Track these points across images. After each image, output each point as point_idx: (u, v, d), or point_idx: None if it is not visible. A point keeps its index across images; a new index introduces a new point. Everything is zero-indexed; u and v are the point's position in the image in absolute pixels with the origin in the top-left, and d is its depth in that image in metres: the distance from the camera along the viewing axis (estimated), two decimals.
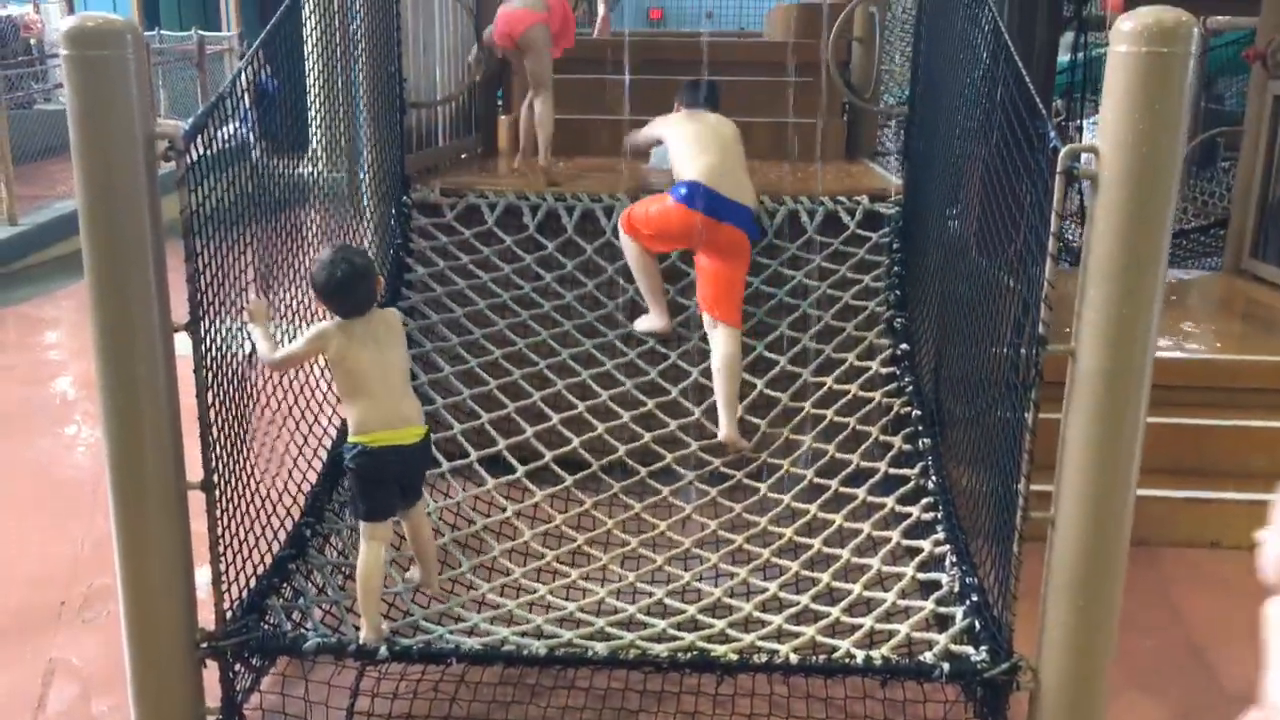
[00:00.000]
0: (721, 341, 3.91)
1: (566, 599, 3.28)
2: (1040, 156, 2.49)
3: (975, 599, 2.84)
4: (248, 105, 2.87)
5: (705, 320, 4.01)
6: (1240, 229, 6.04)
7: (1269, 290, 5.65)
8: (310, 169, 3.76)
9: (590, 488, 3.83)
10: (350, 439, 2.90)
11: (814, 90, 5.60)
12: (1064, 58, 9.58)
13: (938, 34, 4.05)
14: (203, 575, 2.69)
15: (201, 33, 13.94)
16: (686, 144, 4.12)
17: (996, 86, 2.97)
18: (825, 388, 3.97)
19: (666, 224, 4.04)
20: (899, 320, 4.03)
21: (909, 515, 3.32)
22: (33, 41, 14.38)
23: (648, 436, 3.93)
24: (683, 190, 3.96)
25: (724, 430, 3.81)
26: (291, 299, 3.41)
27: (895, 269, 4.20)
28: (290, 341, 3.08)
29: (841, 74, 5.56)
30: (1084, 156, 2.32)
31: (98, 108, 2.36)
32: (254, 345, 2.89)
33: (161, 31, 14.93)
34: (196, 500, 2.64)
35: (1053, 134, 2.44)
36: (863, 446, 3.71)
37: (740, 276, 4.06)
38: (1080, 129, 9.60)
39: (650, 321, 4.22)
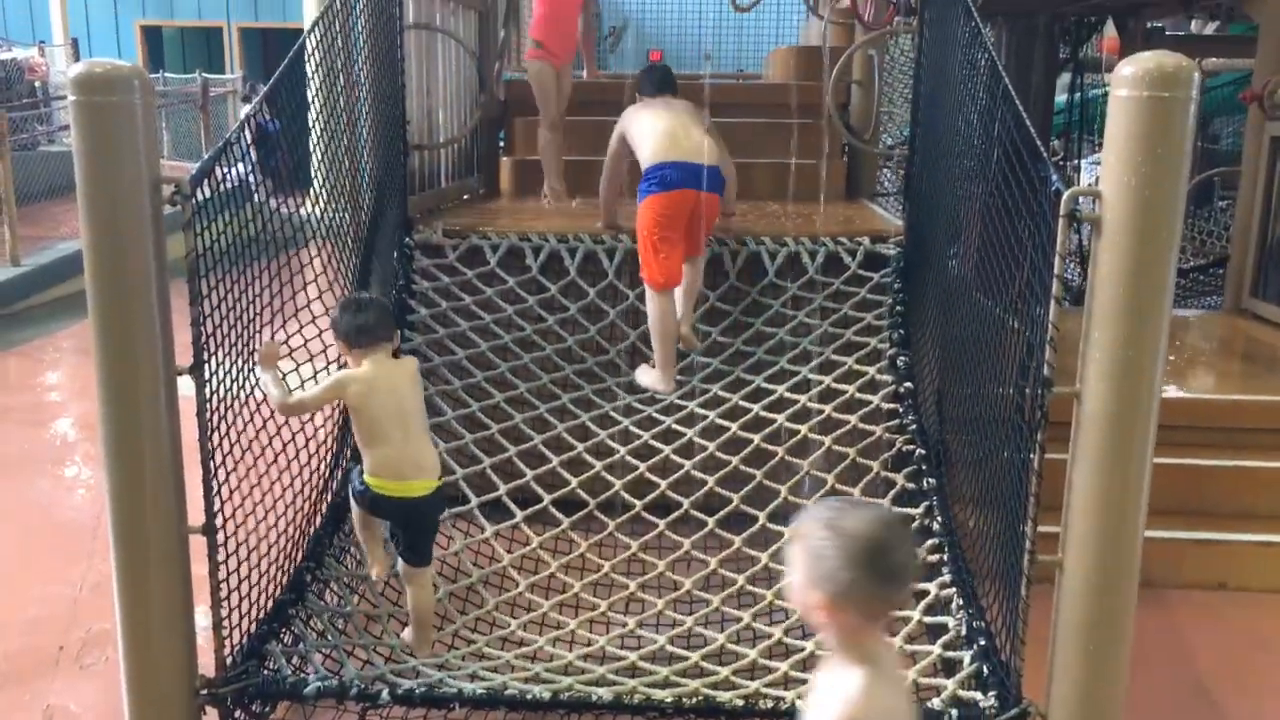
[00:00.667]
0: (689, 269, 4.16)
1: (570, 649, 3.25)
2: (1043, 199, 2.50)
3: (983, 643, 2.81)
4: (248, 144, 2.88)
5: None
6: (1240, 268, 6.06)
7: (1270, 329, 5.65)
8: (311, 209, 3.77)
9: (588, 528, 3.81)
10: (364, 476, 2.99)
11: (814, 132, 5.65)
12: (1060, 98, 9.66)
13: (937, 76, 4.09)
14: (202, 619, 2.67)
15: (205, 75, 14.07)
16: (643, 131, 4.17)
17: (996, 128, 2.98)
18: (824, 414, 3.96)
19: (667, 219, 4.02)
20: (902, 358, 4.03)
21: None
22: (37, 84, 14.49)
23: (643, 467, 3.92)
24: (654, 178, 4.02)
25: (683, 328, 4.11)
26: (292, 339, 3.40)
27: (897, 308, 4.20)
28: (305, 385, 3.11)
29: (841, 116, 5.61)
30: (1086, 199, 2.33)
31: (104, 152, 2.37)
32: (265, 390, 2.90)
33: (165, 74, 15.08)
34: (196, 544, 2.62)
35: (1054, 177, 2.45)
36: (864, 480, 3.69)
37: (711, 220, 4.20)
38: (1078, 169, 9.66)
39: (654, 379, 4.16)
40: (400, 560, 3.11)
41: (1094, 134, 10.49)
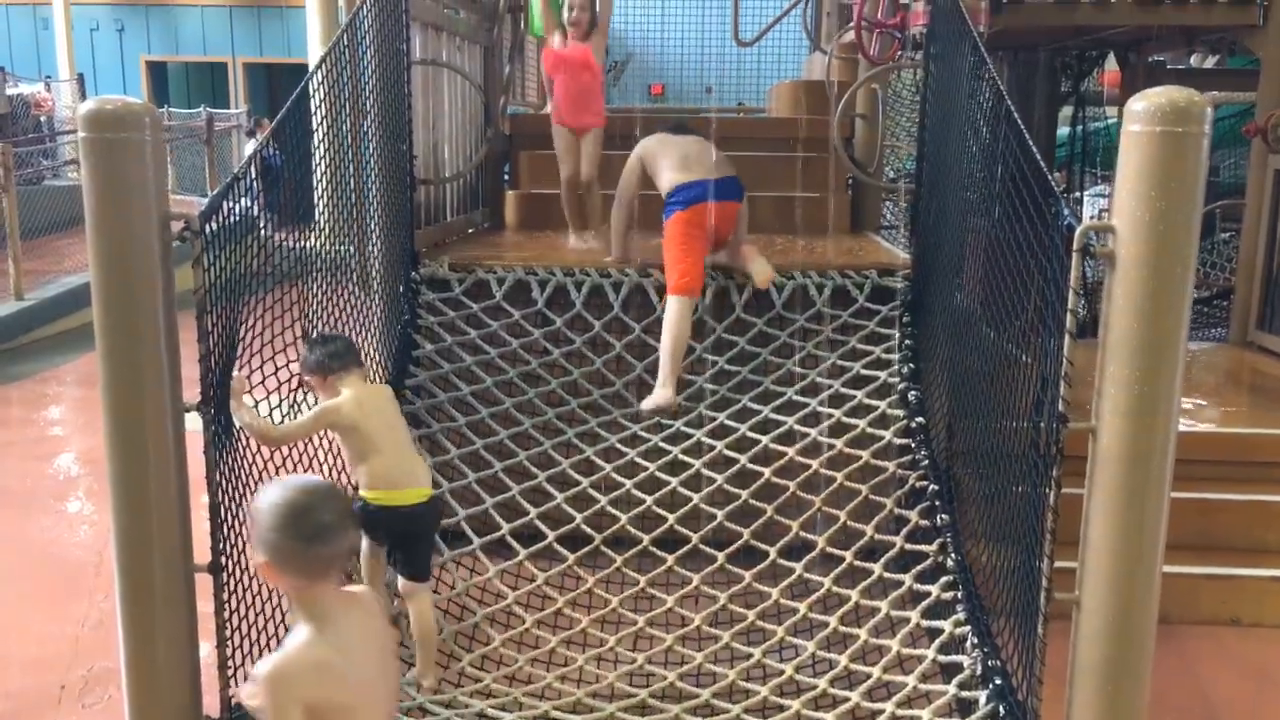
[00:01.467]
0: (751, 256, 4.42)
1: (578, 685, 3.21)
2: (1055, 234, 2.49)
3: (999, 682, 2.77)
4: (253, 177, 2.88)
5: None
6: (1245, 301, 6.05)
7: (1277, 362, 5.64)
8: (316, 243, 3.77)
9: (594, 564, 3.78)
10: (360, 494, 3.06)
11: (820, 165, 5.67)
12: (1062, 131, 9.72)
13: (944, 110, 4.10)
14: (206, 657, 2.64)
15: (210, 110, 14.15)
16: (661, 156, 4.45)
17: (1005, 163, 2.98)
18: (836, 449, 3.93)
19: (691, 232, 4.25)
20: (913, 393, 4.01)
21: (928, 594, 3.27)
22: (43, 119, 14.58)
23: (649, 500, 3.89)
24: (674, 199, 4.29)
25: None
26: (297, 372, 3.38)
27: (907, 342, 4.19)
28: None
29: (846, 149, 5.63)
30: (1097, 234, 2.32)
31: (114, 189, 2.37)
32: (244, 425, 2.86)
33: (170, 109, 15.17)
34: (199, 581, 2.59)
35: (1066, 212, 2.44)
36: (877, 518, 3.66)
37: (741, 215, 4.49)
38: (1080, 201, 9.70)
39: (658, 398, 4.15)
40: (400, 580, 3.15)
41: (1095, 166, 10.54)
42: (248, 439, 2.88)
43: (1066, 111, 9.59)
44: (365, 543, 3.18)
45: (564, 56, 5.03)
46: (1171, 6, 5.85)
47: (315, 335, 3.13)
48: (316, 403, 3.13)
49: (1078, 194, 9.71)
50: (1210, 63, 9.89)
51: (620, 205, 4.63)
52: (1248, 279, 6.04)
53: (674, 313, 4.16)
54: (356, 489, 3.11)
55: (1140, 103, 2.25)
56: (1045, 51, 8.42)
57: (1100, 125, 10.33)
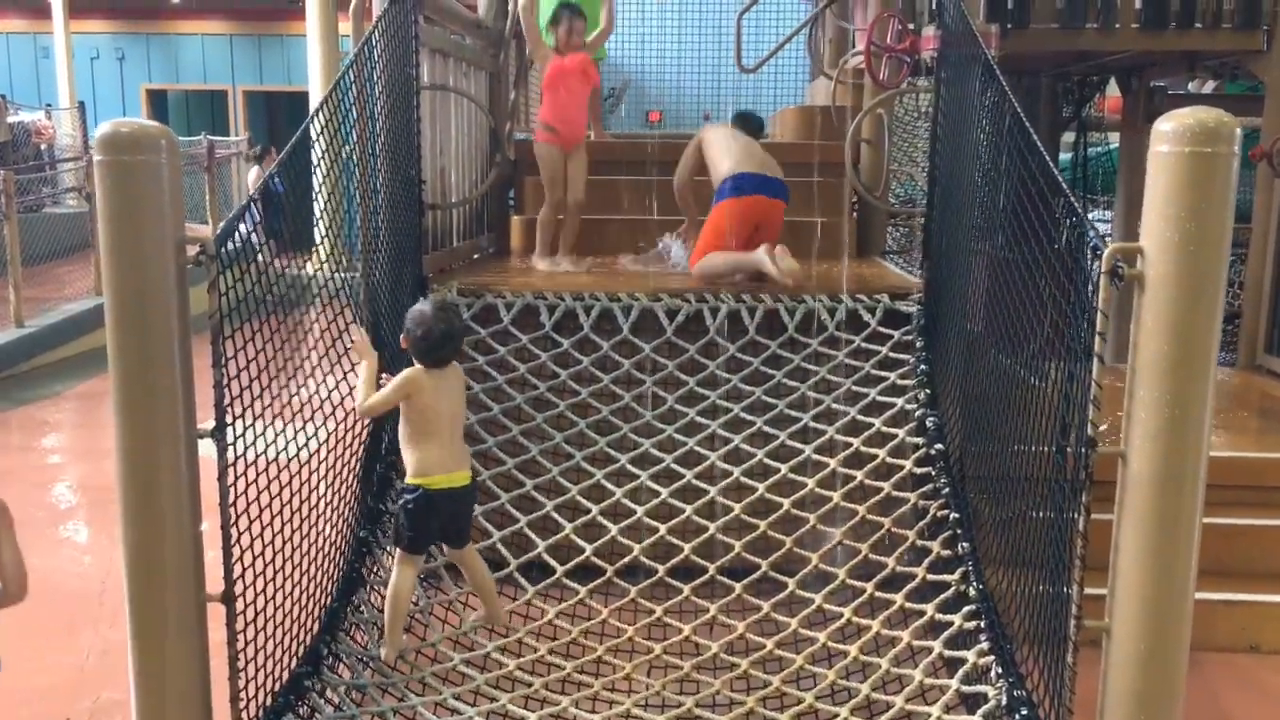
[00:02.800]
0: (782, 255, 4.63)
1: (593, 710, 3.15)
2: (1080, 256, 2.46)
3: (1025, 713, 2.72)
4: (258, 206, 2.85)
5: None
6: (1253, 325, 6.04)
7: None
8: (319, 268, 3.73)
9: (607, 592, 3.73)
10: (409, 480, 3.19)
11: (829, 190, 5.67)
12: (1064, 156, 9.75)
13: (955, 134, 4.08)
14: (217, 689, 2.58)
15: (210, 137, 14.18)
16: (721, 147, 4.99)
17: (1024, 186, 2.96)
18: (856, 481, 3.89)
19: (737, 221, 4.76)
20: (930, 419, 3.96)
21: (950, 624, 3.21)
22: (43, 147, 14.59)
23: (663, 529, 3.84)
24: (729, 184, 4.81)
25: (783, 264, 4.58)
26: (310, 396, 3.34)
27: (922, 367, 4.15)
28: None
29: (854, 174, 5.63)
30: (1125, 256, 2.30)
31: (128, 212, 2.34)
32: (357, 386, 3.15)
33: None
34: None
35: (1093, 234, 2.42)
36: (898, 550, 3.61)
37: (780, 223, 4.97)
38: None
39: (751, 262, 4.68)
40: (446, 549, 3.48)
41: (1097, 191, 10.57)
42: (262, 465, 2.84)
43: (1068, 137, 9.63)
44: (401, 572, 3.23)
45: (564, 68, 5.14)
46: (1176, 32, 5.88)
47: (437, 313, 3.20)
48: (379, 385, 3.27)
49: None
50: (1209, 88, 9.93)
51: (681, 186, 5.29)
52: (1255, 303, 6.03)
53: (710, 266, 4.79)
54: (401, 478, 3.31)
55: (1168, 123, 2.22)
56: (1047, 77, 8.45)
57: (1101, 150, 10.36)
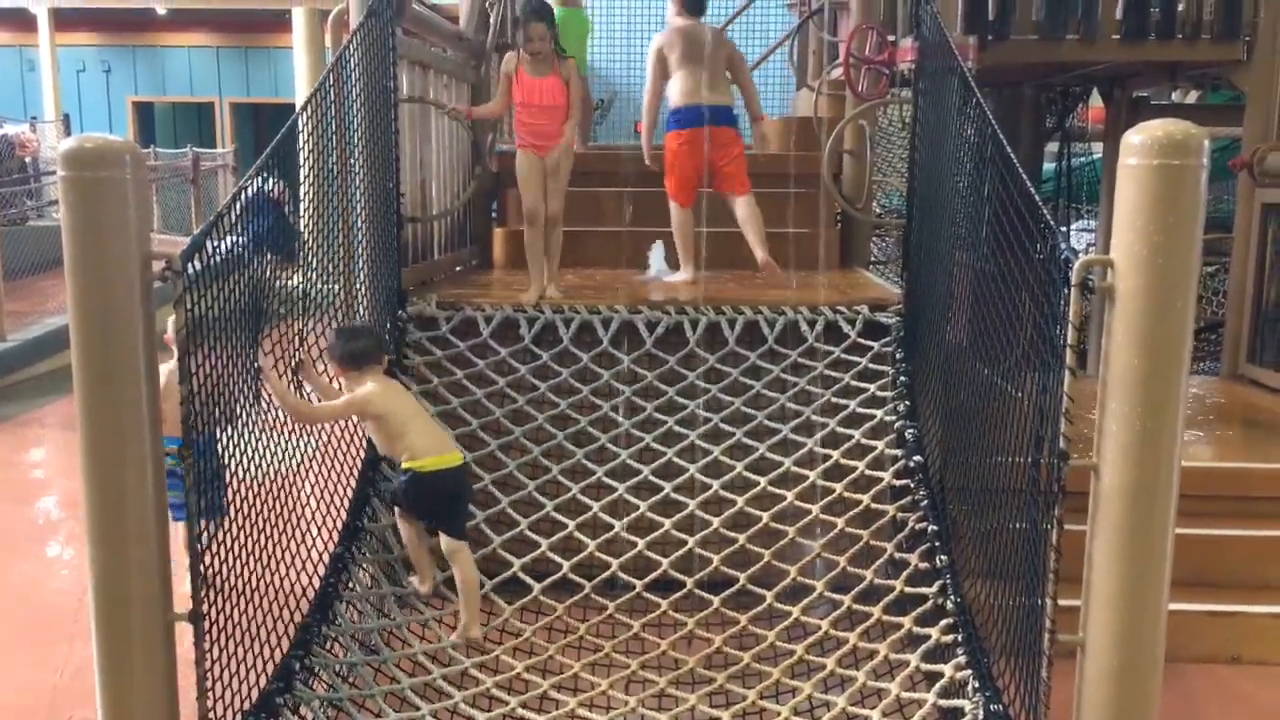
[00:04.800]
0: (742, 205, 4.96)
1: None
2: (1052, 268, 2.45)
3: None
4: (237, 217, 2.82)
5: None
6: (1236, 334, 6.05)
7: (1269, 395, 5.62)
8: (301, 281, 3.71)
9: (585, 605, 3.71)
10: (404, 467, 3.39)
11: (810, 201, 5.67)
12: (1048, 166, 9.77)
13: (934, 146, 4.08)
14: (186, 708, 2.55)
15: (196, 149, 14.13)
16: (674, 74, 5.05)
17: (999, 198, 2.96)
18: (836, 494, 3.87)
19: (684, 154, 4.98)
20: (909, 431, 3.95)
21: (927, 637, 3.20)
22: (28, 159, 14.52)
23: (642, 544, 3.82)
24: (676, 118, 5.02)
25: (761, 257, 4.86)
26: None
27: (901, 379, 4.15)
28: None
29: (835, 185, 5.63)
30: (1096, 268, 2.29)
31: (93, 228, 2.32)
32: (279, 397, 3.18)
33: (157, 149, 15.15)
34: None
35: (1064, 246, 2.41)
36: (876, 563, 3.59)
37: (739, 155, 5.05)
38: (1067, 234, 9.73)
39: (680, 275, 5.08)
40: (443, 540, 3.49)
41: (1081, 201, 10.60)
42: (232, 488, 2.81)
43: (1052, 147, 9.65)
44: (405, 526, 3.54)
45: (532, 85, 4.69)
46: (1156, 43, 5.89)
47: (344, 327, 3.53)
48: (341, 389, 3.47)
49: (1064, 228, 9.75)
50: (1192, 98, 9.97)
51: (648, 107, 5.22)
52: (1238, 312, 6.03)
53: (674, 215, 5.09)
54: (394, 467, 3.53)
55: (1137, 136, 2.23)
56: (1030, 87, 8.46)
57: (1085, 160, 10.39)
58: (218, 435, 2.72)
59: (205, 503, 2.56)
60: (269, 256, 3.11)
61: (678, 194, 5.07)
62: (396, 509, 3.58)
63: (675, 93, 5.03)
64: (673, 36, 5.06)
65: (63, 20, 16.94)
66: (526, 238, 4.84)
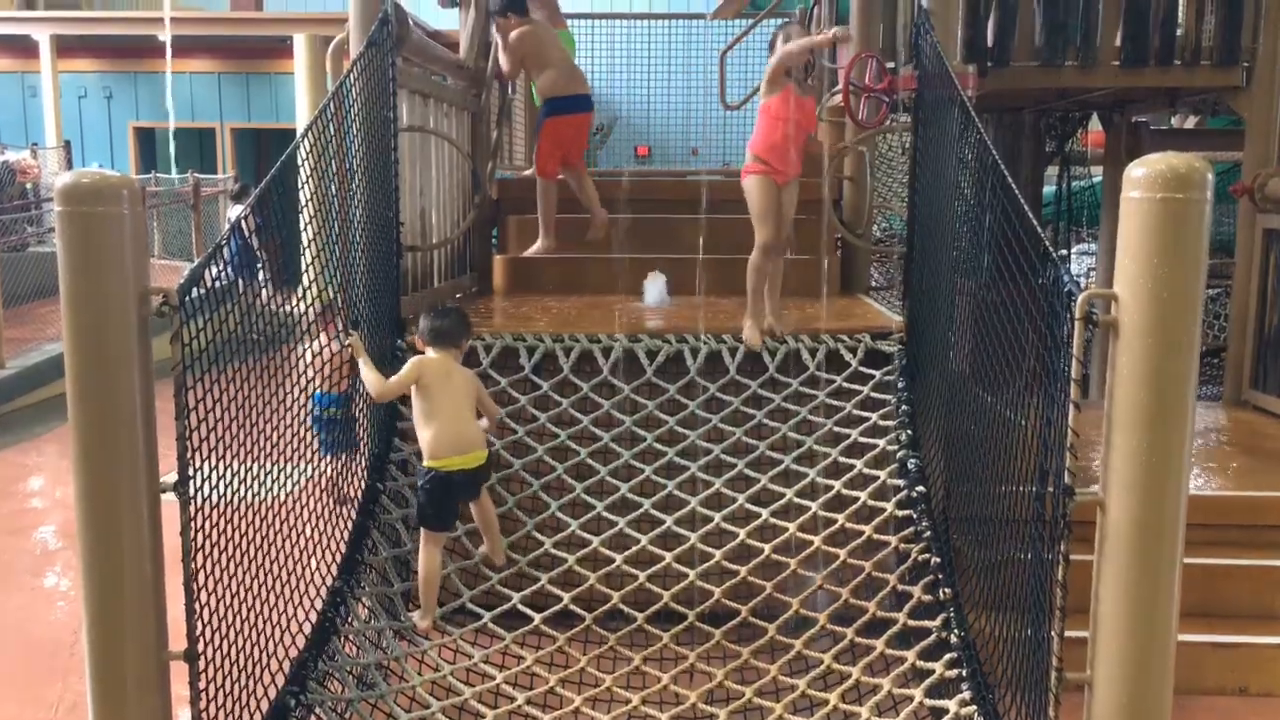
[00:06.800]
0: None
1: None
2: (1055, 301, 2.44)
3: None
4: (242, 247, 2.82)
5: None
6: (1239, 360, 6.02)
7: (1273, 421, 5.59)
8: (298, 309, 3.69)
9: (586, 639, 3.67)
10: (425, 464, 3.55)
11: (810, 228, 5.65)
12: (1048, 190, 9.78)
13: (934, 173, 4.07)
14: None
15: (197, 175, 14.16)
16: (540, 64, 5.57)
17: (1000, 229, 2.95)
18: (838, 525, 3.84)
19: (560, 141, 5.60)
20: (912, 461, 3.92)
21: (931, 671, 3.16)
22: (29, 186, 14.54)
23: (643, 576, 3.79)
24: (549, 107, 5.59)
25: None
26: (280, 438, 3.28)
27: (904, 408, 4.12)
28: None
29: (835, 211, 5.62)
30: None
31: (90, 263, 2.31)
32: (365, 377, 3.55)
33: (157, 175, 15.17)
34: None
35: (1066, 279, 2.39)
36: (879, 595, 3.56)
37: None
38: (1067, 259, 9.73)
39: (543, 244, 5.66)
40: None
41: (1081, 225, 10.60)
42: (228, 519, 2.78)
43: (1052, 171, 9.66)
44: (428, 552, 3.60)
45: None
46: (1156, 69, 5.89)
47: (436, 308, 3.87)
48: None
49: (1064, 252, 9.75)
50: (1191, 123, 9.99)
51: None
52: (1240, 337, 6.01)
53: (539, 187, 5.68)
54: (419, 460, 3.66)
55: (1140, 169, 2.21)
56: (1030, 113, 8.48)
57: (1085, 184, 10.41)
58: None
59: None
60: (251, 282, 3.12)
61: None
62: (422, 530, 3.61)
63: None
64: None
65: (65, 47, 17.00)
66: (759, 267, 4.46)
